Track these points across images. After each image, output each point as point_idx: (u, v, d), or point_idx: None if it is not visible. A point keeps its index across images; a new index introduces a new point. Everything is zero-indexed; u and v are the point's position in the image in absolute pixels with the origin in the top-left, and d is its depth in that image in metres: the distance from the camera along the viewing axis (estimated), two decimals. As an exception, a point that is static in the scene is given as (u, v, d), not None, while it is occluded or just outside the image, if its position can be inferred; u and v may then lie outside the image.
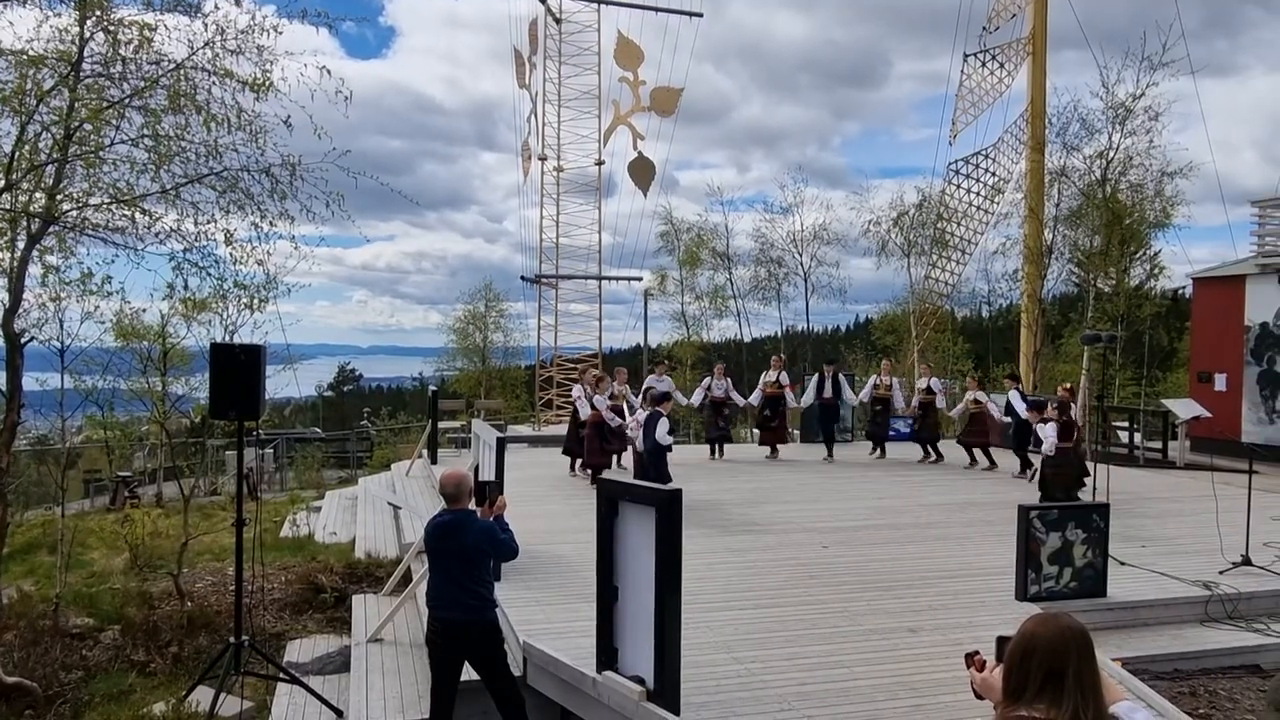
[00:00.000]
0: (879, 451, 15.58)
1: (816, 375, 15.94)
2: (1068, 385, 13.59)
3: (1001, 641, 2.70)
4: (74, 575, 9.98)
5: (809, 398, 15.84)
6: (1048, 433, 10.73)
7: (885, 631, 6.70)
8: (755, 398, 15.54)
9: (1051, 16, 20.20)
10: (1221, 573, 7.96)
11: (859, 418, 18.28)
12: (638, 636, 5.31)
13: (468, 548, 5.40)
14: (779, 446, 15.54)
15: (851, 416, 17.77)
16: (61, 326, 8.12)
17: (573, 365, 22.43)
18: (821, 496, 12.18)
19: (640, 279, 24.90)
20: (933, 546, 9.27)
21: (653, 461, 10.43)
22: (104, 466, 17.33)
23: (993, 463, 14.26)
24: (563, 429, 17.00)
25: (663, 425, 10.45)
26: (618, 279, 23.23)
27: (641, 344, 26.25)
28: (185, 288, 8.05)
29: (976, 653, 2.80)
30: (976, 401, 14.29)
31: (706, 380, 15.63)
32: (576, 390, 13.04)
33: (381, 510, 12.52)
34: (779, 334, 32.88)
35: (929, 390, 15.12)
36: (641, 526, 5.28)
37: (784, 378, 15.53)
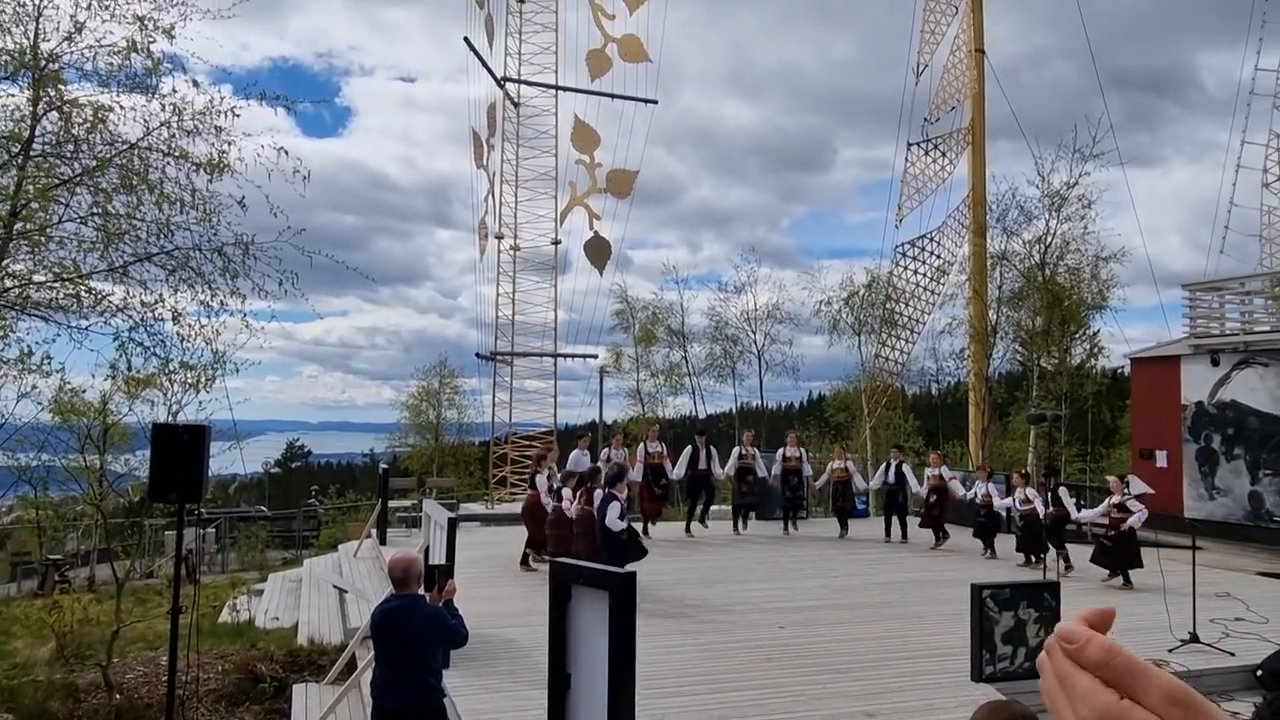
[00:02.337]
0: (744, 524, 15.57)
1: (690, 446, 15.18)
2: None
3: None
4: (-6, 667, 9.44)
5: (681, 469, 15.03)
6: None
7: (843, 717, 6.61)
8: (637, 471, 14.48)
9: (988, 108, 21.25)
10: (1171, 650, 8.03)
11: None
12: (590, 726, 5.16)
13: (416, 635, 5.25)
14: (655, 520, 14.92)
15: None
16: (-5, 404, 7.87)
17: (528, 442, 22.22)
18: (778, 575, 12.10)
19: (596, 356, 24.98)
20: (890, 626, 9.23)
21: (606, 545, 10.02)
22: (34, 548, 16.60)
23: (945, 536, 14.32)
24: (517, 507, 16.72)
25: (613, 509, 9.95)
26: (573, 356, 23.27)
27: (597, 420, 26.19)
28: (129, 368, 7.88)
29: None
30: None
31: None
32: (541, 481, 12.07)
33: (327, 593, 12.12)
34: (733, 410, 33.11)
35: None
36: (595, 610, 5.18)
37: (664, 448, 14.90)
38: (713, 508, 15.79)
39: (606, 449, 14.50)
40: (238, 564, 19.74)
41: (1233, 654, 8.05)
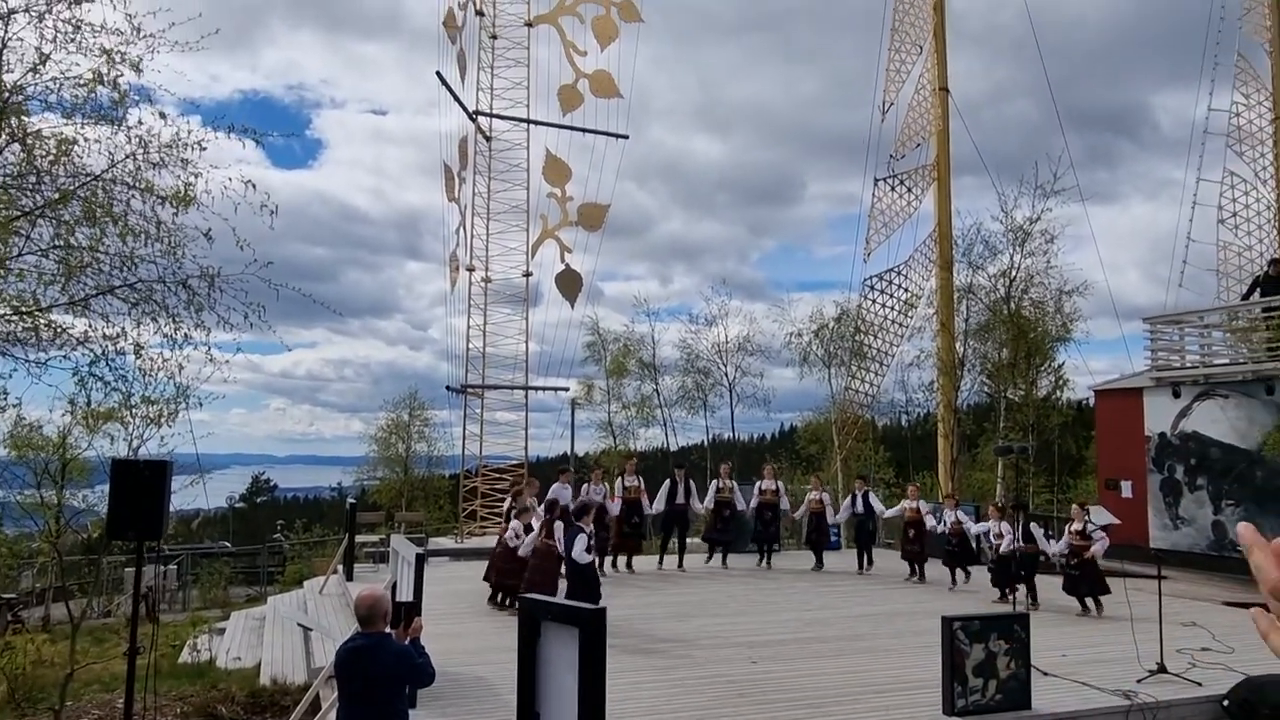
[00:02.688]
0: (722, 558, 15.49)
1: (668, 480, 15.18)
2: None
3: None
4: (-59, 713, 9.10)
5: (660, 504, 15.01)
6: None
7: (814, 752, 6.55)
8: (616, 506, 14.56)
9: (952, 145, 21.69)
10: (1139, 681, 8.07)
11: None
12: (559, 767, 5.07)
13: (381, 675, 5.14)
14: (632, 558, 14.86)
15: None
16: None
17: (499, 475, 22.03)
18: (749, 609, 12.03)
19: (567, 389, 24.88)
20: (861, 659, 9.19)
21: (575, 579, 9.92)
22: (-14, 587, 16.08)
23: (922, 575, 14.28)
24: (488, 541, 16.50)
25: (580, 541, 9.87)
26: (544, 389, 23.17)
27: (568, 453, 26.09)
28: (89, 402, 7.72)
29: None
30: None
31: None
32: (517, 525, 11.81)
33: (291, 631, 11.86)
34: (705, 443, 33.06)
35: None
36: (564, 647, 5.12)
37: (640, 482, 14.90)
38: (688, 540, 15.71)
39: (586, 485, 14.34)
40: (200, 602, 19.29)
41: (1199, 684, 8.11)
